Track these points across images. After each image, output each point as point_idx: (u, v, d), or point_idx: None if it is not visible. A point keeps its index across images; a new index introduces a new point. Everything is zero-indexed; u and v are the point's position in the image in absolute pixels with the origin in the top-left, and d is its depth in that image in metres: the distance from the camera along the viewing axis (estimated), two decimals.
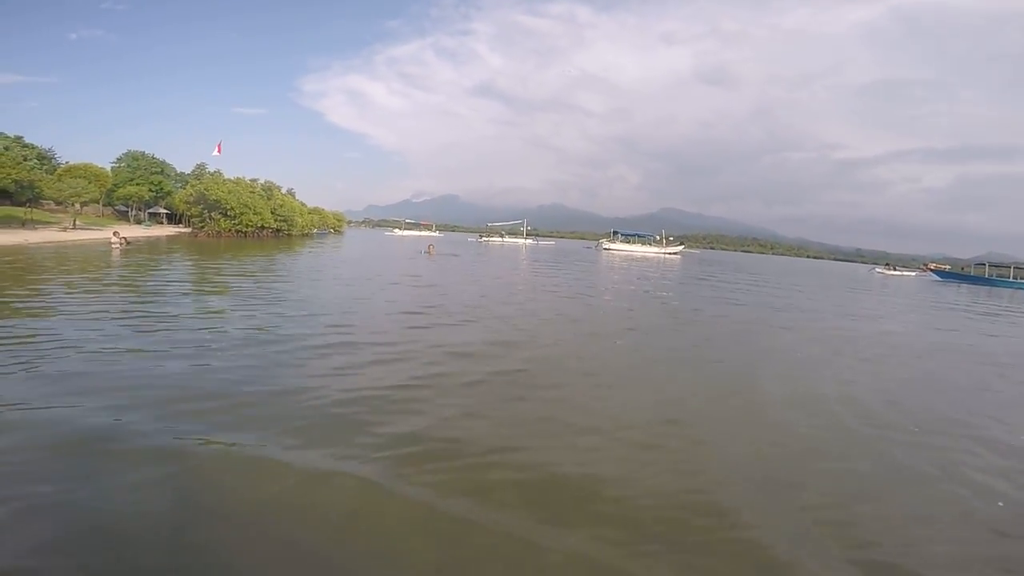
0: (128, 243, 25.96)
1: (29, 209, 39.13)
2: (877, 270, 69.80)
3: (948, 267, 62.50)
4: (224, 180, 42.71)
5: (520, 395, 5.63)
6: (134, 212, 57.45)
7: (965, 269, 59.46)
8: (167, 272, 15.33)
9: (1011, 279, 49.00)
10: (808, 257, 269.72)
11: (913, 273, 68.09)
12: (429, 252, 32.25)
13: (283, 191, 66.62)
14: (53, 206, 45.45)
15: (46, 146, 56.52)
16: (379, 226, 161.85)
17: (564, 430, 4.72)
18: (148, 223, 56.05)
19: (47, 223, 39.33)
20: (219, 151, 48.97)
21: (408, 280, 16.99)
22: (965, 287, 44.29)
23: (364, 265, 22.82)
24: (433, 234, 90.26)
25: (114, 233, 26.51)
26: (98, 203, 55.55)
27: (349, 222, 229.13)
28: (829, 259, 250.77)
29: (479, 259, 31.52)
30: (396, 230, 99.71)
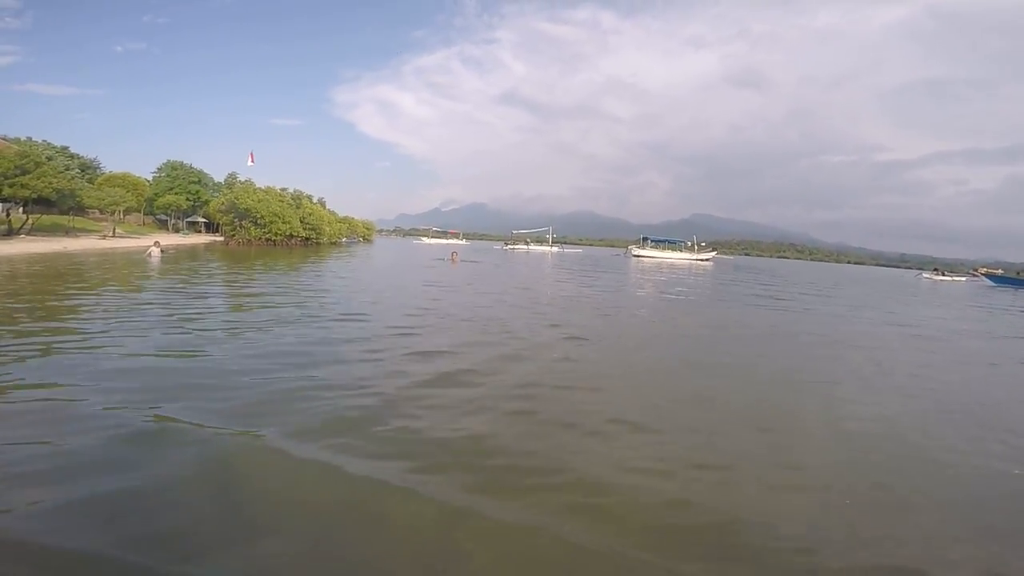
0: (163, 251, 26.39)
1: (71, 217, 40.71)
2: (924, 275, 65.93)
3: (1000, 271, 58.32)
4: (255, 189, 43.47)
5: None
6: (173, 221, 59.38)
7: (1021, 274, 55.50)
8: (198, 283, 15.18)
9: None
10: (849, 263, 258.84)
11: (963, 278, 63.99)
12: (452, 260, 31.85)
13: (314, 200, 68.17)
14: (98, 215, 47.08)
15: (91, 156, 59.56)
16: (409, 235, 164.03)
17: None
18: (186, 231, 57.82)
19: (89, 231, 40.81)
20: (252, 161, 50.09)
21: (425, 287, 16.45)
22: (1021, 292, 41.12)
23: (383, 274, 22.46)
24: (460, 242, 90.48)
25: (155, 243, 26.93)
26: (139, 212, 57.78)
27: (380, 231, 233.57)
28: (871, 264, 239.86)
29: (495, 268, 30.77)
30: (424, 239, 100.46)
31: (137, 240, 37.54)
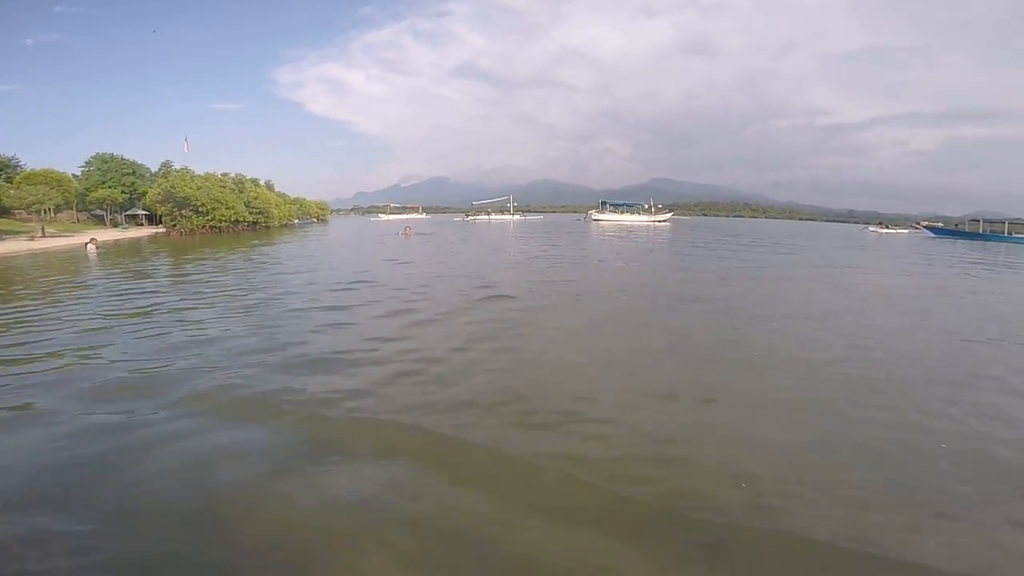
0: (99, 248, 24.88)
1: None
2: (871, 229, 69.13)
3: (940, 224, 61.73)
4: (192, 176, 41.25)
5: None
6: (110, 216, 55.83)
7: (959, 226, 58.81)
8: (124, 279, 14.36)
9: (1005, 234, 48.53)
10: (800, 219, 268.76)
11: (906, 231, 67.48)
12: (406, 234, 31.31)
13: (262, 183, 65.32)
14: (25, 215, 43.85)
15: (7, 155, 55.00)
16: (368, 213, 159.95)
17: None
18: (125, 225, 54.50)
19: (17, 233, 37.99)
20: (187, 147, 47.46)
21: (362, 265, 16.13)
22: (961, 242, 43.72)
23: (327, 255, 21.85)
24: (420, 216, 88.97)
25: (90, 240, 25.35)
26: (72, 209, 54.09)
27: (337, 211, 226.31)
28: (821, 220, 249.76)
29: (456, 239, 30.46)
30: (382, 215, 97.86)
31: (69, 239, 35.15)
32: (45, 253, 24.72)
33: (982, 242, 44.80)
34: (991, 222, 52.69)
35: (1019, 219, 52.18)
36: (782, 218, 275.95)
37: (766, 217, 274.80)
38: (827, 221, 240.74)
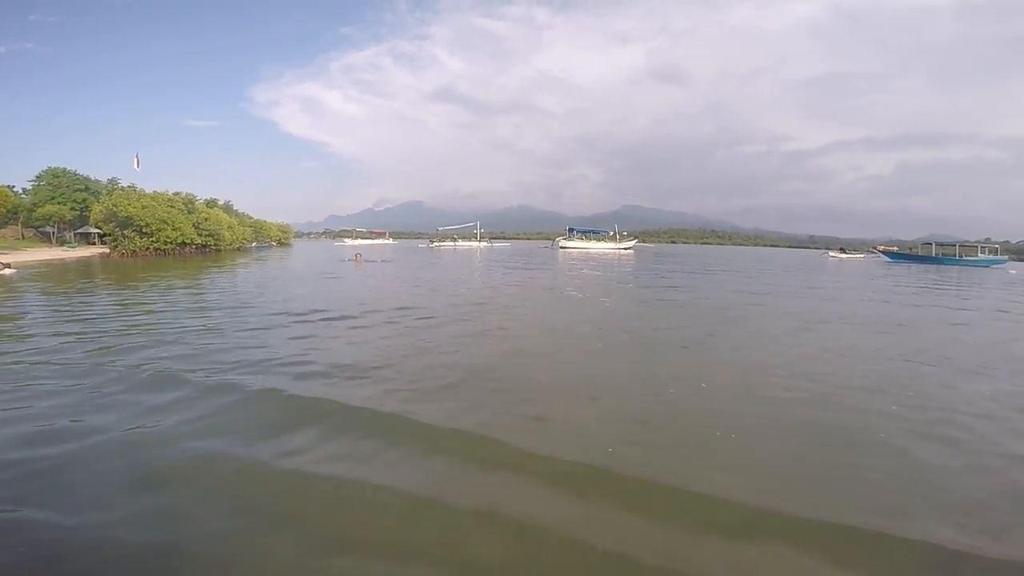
0: (12, 270, 22.87)
1: None
2: (830, 254, 71.09)
3: (896, 248, 63.89)
4: (140, 195, 39.35)
5: None
6: (59, 233, 52.69)
7: (913, 249, 60.91)
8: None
9: (956, 256, 50.35)
10: (764, 246, 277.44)
11: (862, 255, 69.58)
12: (356, 261, 30.15)
13: (220, 203, 63.19)
14: None
15: None
16: (339, 236, 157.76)
17: None
18: (72, 244, 51.47)
19: None
20: (137, 164, 45.52)
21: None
22: (914, 266, 45.00)
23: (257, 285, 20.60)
24: (386, 242, 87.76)
25: (5, 265, 23.38)
26: (18, 224, 50.96)
27: (308, 234, 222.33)
28: (785, 246, 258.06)
29: (413, 267, 29.43)
30: (347, 240, 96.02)
31: (2, 256, 32.68)
32: None
33: (935, 265, 46.22)
34: (943, 245, 54.72)
35: (969, 242, 54.38)
36: (747, 244, 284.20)
37: (732, 244, 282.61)
38: (790, 247, 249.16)
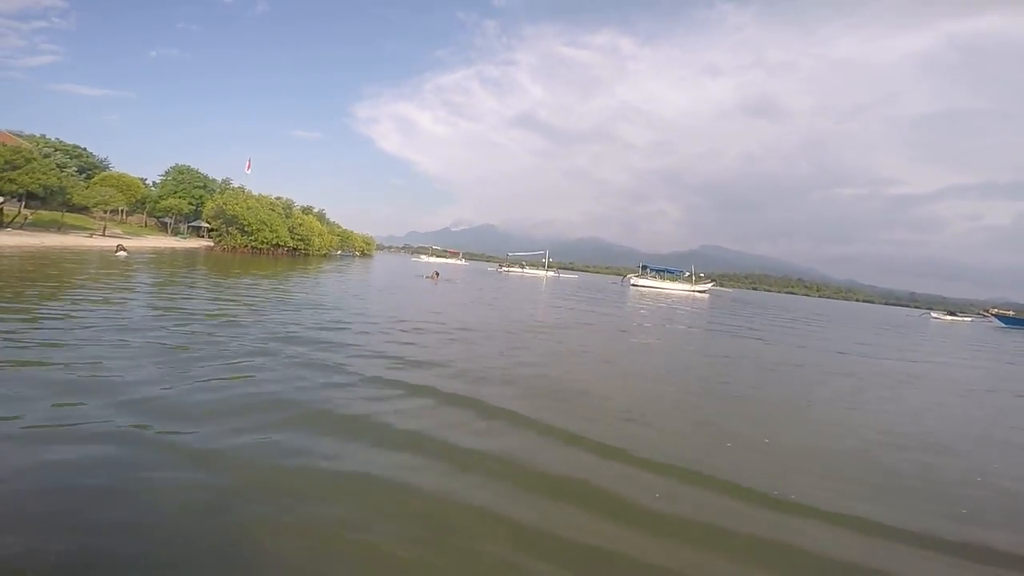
0: (128, 253, 25.93)
1: (63, 214, 40.53)
2: (933, 315, 64.18)
3: (1012, 313, 56.47)
4: (246, 196, 43.40)
5: None
6: (175, 224, 59.31)
7: None
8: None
9: None
10: (858, 300, 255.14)
11: (969, 318, 62.08)
12: (433, 279, 31.25)
13: (315, 211, 68.29)
14: (103, 214, 46.72)
15: (103, 156, 60.40)
16: (416, 252, 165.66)
17: None
18: (184, 235, 57.70)
19: (85, 229, 40.59)
20: (248, 168, 50.27)
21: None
22: None
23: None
24: (459, 262, 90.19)
25: (118, 246, 26.65)
26: (143, 213, 58.01)
27: (388, 247, 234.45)
28: (880, 302, 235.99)
29: (479, 290, 29.95)
30: (423, 256, 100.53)
31: (121, 240, 37.30)
32: (86, 251, 26.02)
33: None
34: None
35: None
36: (838, 297, 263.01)
37: (820, 296, 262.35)
38: (886, 303, 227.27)
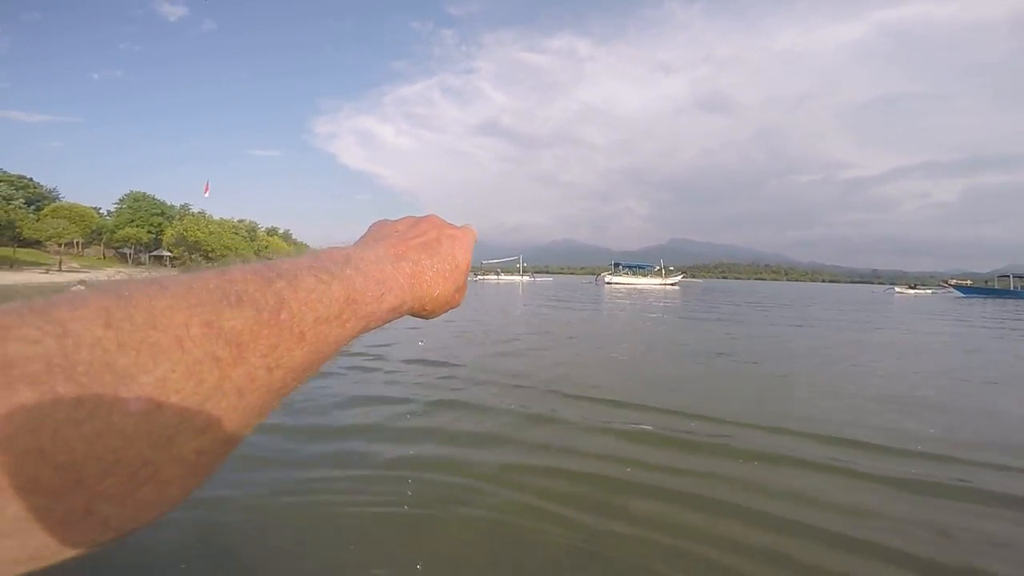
0: (84, 284, 24.96)
1: (14, 249, 38.54)
2: (897, 290, 66.85)
3: (970, 282, 59.45)
4: (207, 221, 42.38)
5: None
6: (135, 254, 57.02)
7: (988, 283, 56.60)
8: None
9: None
10: (824, 281, 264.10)
11: (930, 291, 64.89)
12: None
13: (280, 232, 67.16)
14: (55, 247, 44.58)
15: (51, 186, 57.62)
16: None
17: None
18: (147, 265, 55.66)
19: (40, 264, 38.62)
20: (207, 191, 49.13)
21: None
22: (991, 302, 41.29)
23: None
24: None
25: (80, 282, 25.63)
26: (100, 245, 55.57)
27: None
28: (846, 282, 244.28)
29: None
30: None
31: (79, 275, 35.79)
32: (43, 288, 24.76)
33: (1014, 300, 42.26)
34: (1022, 277, 50.38)
35: None
36: (805, 280, 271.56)
37: (788, 279, 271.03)
38: (851, 282, 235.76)
